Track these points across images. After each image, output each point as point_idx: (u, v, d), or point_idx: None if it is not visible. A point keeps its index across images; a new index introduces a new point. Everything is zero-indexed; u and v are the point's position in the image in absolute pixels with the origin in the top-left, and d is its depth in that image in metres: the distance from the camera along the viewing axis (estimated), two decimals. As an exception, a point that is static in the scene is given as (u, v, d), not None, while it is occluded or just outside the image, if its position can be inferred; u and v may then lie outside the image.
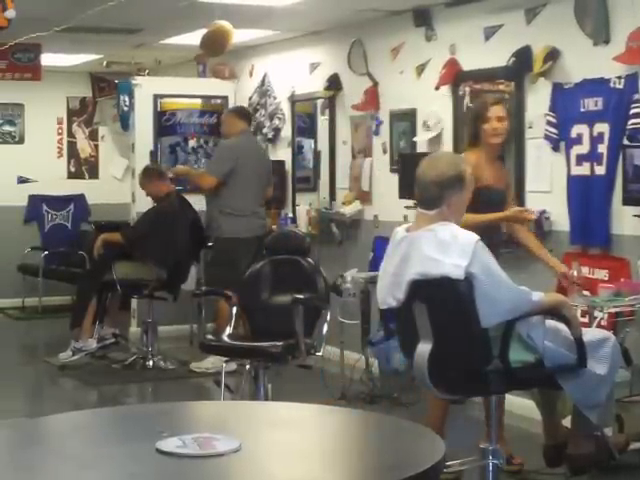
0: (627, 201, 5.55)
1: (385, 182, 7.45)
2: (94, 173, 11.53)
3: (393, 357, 6.49)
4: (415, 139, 7.17)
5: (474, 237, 4.13)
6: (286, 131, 8.74)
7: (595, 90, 5.72)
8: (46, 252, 10.53)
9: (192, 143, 9.17)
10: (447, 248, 4.05)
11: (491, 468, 4.13)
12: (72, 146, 11.43)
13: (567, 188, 5.95)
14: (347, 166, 7.92)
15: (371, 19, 7.46)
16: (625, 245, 5.63)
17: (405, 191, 6.88)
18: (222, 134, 8.13)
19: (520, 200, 6.27)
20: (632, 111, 5.50)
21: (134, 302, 8.74)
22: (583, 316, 5.26)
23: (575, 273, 5.25)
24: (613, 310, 5.30)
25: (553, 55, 5.99)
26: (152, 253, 7.69)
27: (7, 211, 10.79)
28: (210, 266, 7.56)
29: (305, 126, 8.62)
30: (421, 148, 7.03)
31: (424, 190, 4.20)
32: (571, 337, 4.21)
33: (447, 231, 4.11)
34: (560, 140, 5.99)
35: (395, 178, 7.27)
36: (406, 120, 7.28)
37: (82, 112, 11.42)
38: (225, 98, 9.29)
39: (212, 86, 9.33)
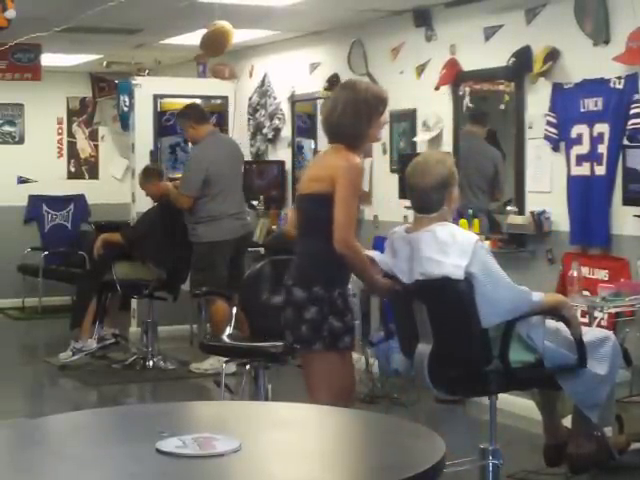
0: (627, 201, 5.55)
1: (385, 182, 7.45)
2: (94, 173, 11.52)
3: (393, 357, 6.50)
4: (415, 139, 7.17)
5: (473, 237, 4.15)
6: (286, 131, 8.74)
7: (595, 90, 5.71)
8: (46, 252, 10.53)
9: (192, 143, 9.16)
10: (447, 248, 4.06)
11: (491, 468, 4.14)
12: (72, 146, 11.42)
13: (567, 188, 5.94)
14: (347, 166, 7.90)
15: (371, 19, 7.46)
16: (625, 245, 5.63)
17: (405, 191, 6.88)
18: (188, 140, 8.09)
19: (520, 200, 6.28)
20: (632, 111, 5.50)
21: (134, 302, 8.74)
22: (583, 316, 5.26)
23: (575, 273, 5.26)
24: (613, 310, 5.30)
25: (553, 55, 5.99)
26: (152, 253, 7.69)
27: (7, 211, 10.79)
28: (192, 271, 7.56)
29: (305, 126, 8.61)
30: (421, 148, 7.03)
31: (424, 198, 4.21)
32: (571, 337, 4.22)
33: (446, 231, 4.12)
34: (560, 140, 5.99)
35: (395, 178, 7.26)
36: (406, 120, 7.28)
37: (82, 112, 11.41)
38: (225, 98, 9.29)
39: (212, 86, 9.33)
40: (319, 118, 8.31)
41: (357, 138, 4.24)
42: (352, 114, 4.20)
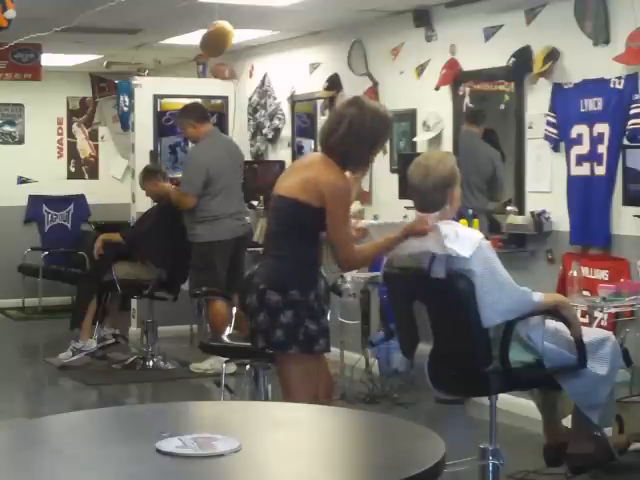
0: (627, 201, 5.55)
1: (385, 182, 7.45)
2: (94, 173, 11.52)
3: (393, 357, 6.50)
4: (415, 139, 7.17)
5: (479, 235, 4.16)
6: (286, 131, 8.74)
7: (595, 90, 5.72)
8: (46, 252, 10.54)
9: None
10: (452, 240, 4.07)
11: (491, 468, 4.13)
12: (72, 146, 11.42)
13: (567, 188, 5.95)
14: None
15: (371, 19, 7.46)
16: (625, 245, 5.63)
17: (405, 191, 6.88)
18: (188, 139, 8.08)
19: (520, 200, 6.28)
20: (632, 111, 5.50)
21: (134, 302, 8.75)
22: (583, 316, 5.26)
23: (575, 273, 5.25)
24: (613, 310, 5.30)
25: (553, 55, 5.99)
26: (152, 253, 7.69)
27: (7, 211, 10.79)
28: (192, 271, 7.56)
29: (305, 126, 8.61)
30: (421, 148, 7.03)
31: (426, 198, 4.22)
32: (571, 337, 4.22)
33: (450, 228, 4.13)
34: (560, 140, 5.99)
35: (395, 178, 7.26)
36: (406, 120, 7.27)
37: (82, 112, 11.41)
38: (225, 98, 9.29)
39: (212, 86, 9.33)
40: (319, 119, 8.32)
41: (354, 162, 4.21)
42: (356, 138, 4.16)
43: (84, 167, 11.50)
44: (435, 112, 6.95)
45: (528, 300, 4.13)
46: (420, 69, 7.11)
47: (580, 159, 5.84)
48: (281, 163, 8.69)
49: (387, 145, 7.40)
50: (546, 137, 6.06)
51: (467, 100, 6.69)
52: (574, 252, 5.89)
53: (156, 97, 8.99)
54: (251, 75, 9.23)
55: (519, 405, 5.66)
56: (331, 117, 4.38)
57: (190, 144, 9.00)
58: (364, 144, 4.19)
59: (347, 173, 4.25)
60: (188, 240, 7.55)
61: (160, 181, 7.83)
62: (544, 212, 6.04)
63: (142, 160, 8.63)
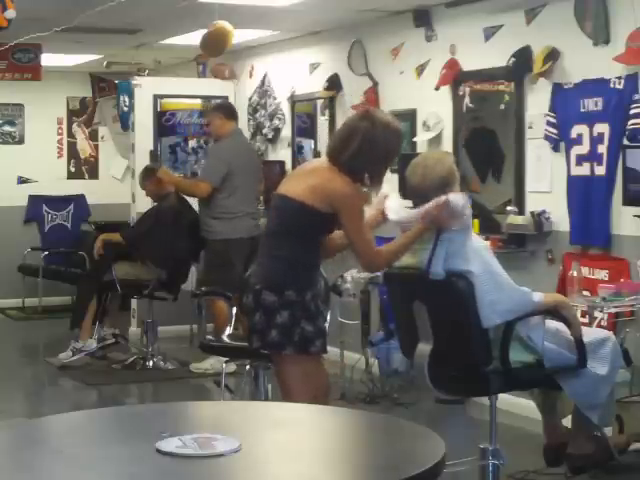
0: (627, 201, 5.55)
1: (385, 182, 7.44)
2: (94, 173, 11.52)
3: (393, 357, 6.50)
4: (415, 139, 7.17)
5: (479, 238, 4.18)
6: (286, 131, 8.74)
7: (595, 90, 5.71)
8: (46, 252, 10.54)
9: (192, 143, 9.16)
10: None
11: (491, 468, 4.14)
12: (72, 146, 11.42)
13: (567, 188, 5.95)
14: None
15: (371, 19, 7.46)
16: (625, 245, 5.63)
17: (405, 191, 6.86)
18: (211, 135, 8.15)
19: (520, 200, 6.28)
20: (632, 111, 5.49)
21: (134, 302, 8.75)
22: (583, 316, 5.26)
23: (575, 273, 5.26)
24: (613, 310, 5.30)
25: (553, 55, 5.99)
26: (152, 253, 7.69)
27: (7, 211, 10.79)
28: (204, 269, 7.55)
29: (305, 126, 8.61)
30: (421, 148, 7.02)
31: (424, 198, 4.23)
32: (571, 337, 4.22)
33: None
34: (560, 140, 5.99)
35: (395, 178, 7.25)
36: (406, 120, 7.26)
37: (82, 112, 11.41)
38: (225, 98, 9.28)
39: (212, 86, 9.32)
40: (319, 119, 8.32)
41: (369, 177, 4.20)
42: (369, 153, 4.14)
43: (84, 167, 11.50)
44: (435, 112, 6.95)
45: (528, 300, 4.13)
46: (420, 69, 7.11)
47: (580, 159, 5.84)
48: (281, 163, 8.69)
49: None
50: (546, 137, 6.06)
51: (467, 100, 6.68)
52: (574, 252, 5.89)
53: (156, 97, 8.98)
54: (251, 75, 9.23)
55: (519, 405, 5.66)
56: (342, 132, 4.28)
57: (190, 144, 9.02)
58: (378, 158, 4.17)
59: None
60: (189, 239, 7.57)
61: (154, 179, 7.82)
62: (544, 212, 6.04)
63: (142, 160, 8.62)
